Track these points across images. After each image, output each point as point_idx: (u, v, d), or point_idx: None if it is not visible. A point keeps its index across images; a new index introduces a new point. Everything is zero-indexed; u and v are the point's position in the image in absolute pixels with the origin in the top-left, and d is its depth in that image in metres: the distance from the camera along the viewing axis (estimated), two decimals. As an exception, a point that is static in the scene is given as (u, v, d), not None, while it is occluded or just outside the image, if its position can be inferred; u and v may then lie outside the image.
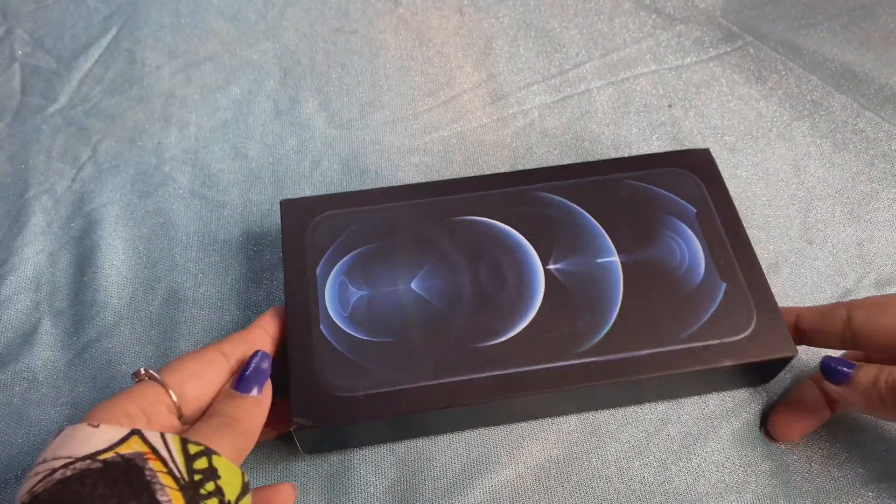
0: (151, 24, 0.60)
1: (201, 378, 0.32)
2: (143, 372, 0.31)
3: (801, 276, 0.45)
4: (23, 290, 0.45)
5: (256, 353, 0.34)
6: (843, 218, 0.47)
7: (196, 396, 0.32)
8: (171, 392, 0.31)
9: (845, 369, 0.34)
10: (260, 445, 0.39)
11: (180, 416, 0.31)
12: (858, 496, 0.37)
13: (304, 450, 0.38)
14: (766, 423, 0.40)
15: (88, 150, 0.53)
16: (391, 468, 0.39)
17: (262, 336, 0.36)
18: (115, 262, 0.46)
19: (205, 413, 0.32)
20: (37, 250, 0.47)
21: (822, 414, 0.38)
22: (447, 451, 0.39)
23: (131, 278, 0.46)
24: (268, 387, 0.34)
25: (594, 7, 0.61)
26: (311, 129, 0.53)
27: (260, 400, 0.33)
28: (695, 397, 0.40)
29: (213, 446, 0.29)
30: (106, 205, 0.49)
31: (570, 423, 0.40)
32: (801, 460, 0.38)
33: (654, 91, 0.55)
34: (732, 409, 0.40)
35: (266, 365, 0.34)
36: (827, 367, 0.35)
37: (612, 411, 0.40)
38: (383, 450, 0.39)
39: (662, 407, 0.40)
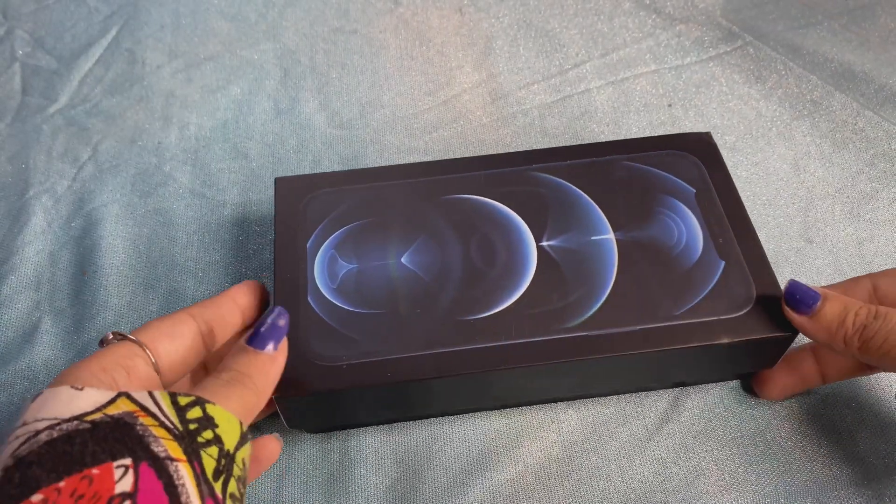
0: (152, 24, 0.60)
1: (173, 336, 0.32)
2: (111, 336, 0.30)
3: (800, 276, 0.45)
4: (23, 289, 0.45)
5: (273, 308, 0.33)
6: (843, 217, 0.47)
7: (168, 354, 0.31)
8: (146, 349, 0.30)
9: (809, 299, 0.32)
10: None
11: (157, 372, 0.31)
12: (859, 494, 0.37)
13: (289, 424, 0.37)
14: (752, 379, 0.40)
15: (89, 150, 0.53)
16: (392, 467, 0.39)
17: (230, 305, 0.35)
18: (116, 261, 0.46)
19: (179, 369, 0.32)
20: (37, 250, 0.47)
21: (811, 382, 0.38)
22: (447, 450, 0.39)
23: (132, 278, 0.46)
24: (284, 344, 0.33)
25: (594, 7, 0.61)
26: (311, 129, 0.54)
27: (275, 357, 0.32)
28: (695, 396, 0.40)
29: (220, 402, 0.28)
30: (106, 204, 0.49)
31: (570, 422, 0.40)
32: (802, 459, 0.38)
33: (653, 91, 0.55)
34: (733, 407, 0.40)
35: (283, 322, 0.33)
36: (791, 292, 0.33)
37: (612, 410, 0.40)
38: (384, 449, 0.39)
39: (662, 405, 0.40)
